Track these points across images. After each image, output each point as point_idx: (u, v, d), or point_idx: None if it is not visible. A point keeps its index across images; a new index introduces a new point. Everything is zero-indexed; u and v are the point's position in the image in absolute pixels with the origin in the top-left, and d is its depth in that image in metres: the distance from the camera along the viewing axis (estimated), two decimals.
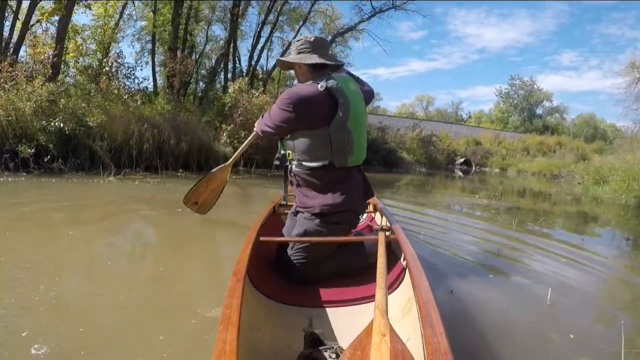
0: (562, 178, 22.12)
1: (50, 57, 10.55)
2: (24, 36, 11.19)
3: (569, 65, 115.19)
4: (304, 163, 2.53)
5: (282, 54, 22.92)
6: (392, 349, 1.20)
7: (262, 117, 2.77)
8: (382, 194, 8.54)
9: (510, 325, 2.49)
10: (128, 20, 18.09)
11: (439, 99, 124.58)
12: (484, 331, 2.34)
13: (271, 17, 21.27)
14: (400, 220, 3.67)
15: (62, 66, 12.52)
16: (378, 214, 3.51)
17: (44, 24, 12.31)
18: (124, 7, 17.10)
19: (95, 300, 2.44)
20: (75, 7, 12.28)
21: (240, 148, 4.04)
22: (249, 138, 3.77)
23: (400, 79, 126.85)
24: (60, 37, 11.25)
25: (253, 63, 21.15)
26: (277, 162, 2.77)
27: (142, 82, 14.37)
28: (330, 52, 2.74)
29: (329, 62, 2.60)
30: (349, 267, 2.54)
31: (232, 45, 19.45)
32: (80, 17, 23.20)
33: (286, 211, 3.13)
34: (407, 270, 2.12)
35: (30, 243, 3.55)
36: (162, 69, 17.81)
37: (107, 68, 12.63)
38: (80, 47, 14.18)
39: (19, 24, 11.51)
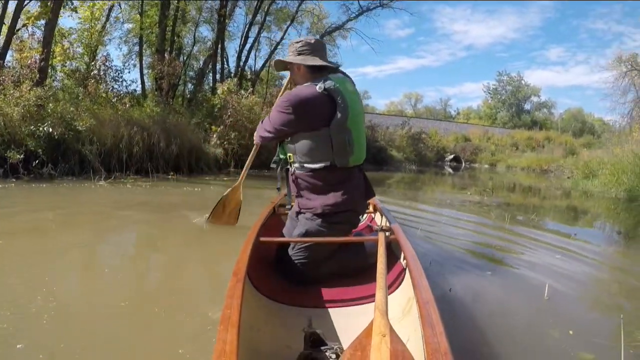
0: (552, 173, 22.28)
1: (38, 61, 10.44)
2: (10, 41, 11.06)
3: (556, 61, 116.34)
4: (305, 165, 2.53)
5: (271, 54, 22.95)
6: (392, 350, 1.19)
7: (261, 124, 2.77)
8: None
9: (509, 323, 2.50)
10: (115, 22, 18.05)
11: (427, 96, 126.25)
12: (484, 329, 2.35)
13: (258, 17, 21.23)
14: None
15: (50, 70, 12.42)
16: (378, 214, 3.52)
17: (30, 28, 12.25)
18: (110, 10, 16.97)
19: (94, 307, 2.41)
20: (62, 10, 12.18)
21: (246, 165, 4.07)
22: (251, 153, 3.81)
23: (389, 76, 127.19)
24: (47, 41, 11.14)
25: (241, 64, 21.12)
26: (274, 165, 2.78)
27: (130, 84, 14.31)
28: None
29: (330, 65, 2.63)
30: (349, 267, 2.55)
31: (219, 46, 19.39)
32: (67, 20, 23.12)
33: (286, 212, 3.12)
34: (407, 270, 2.12)
35: (25, 251, 3.50)
36: (150, 71, 17.72)
37: (95, 71, 12.55)
38: (67, 51, 14.05)
39: (4, 29, 11.37)
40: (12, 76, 9.76)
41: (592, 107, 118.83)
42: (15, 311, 2.22)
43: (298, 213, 2.66)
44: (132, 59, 19.05)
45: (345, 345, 1.51)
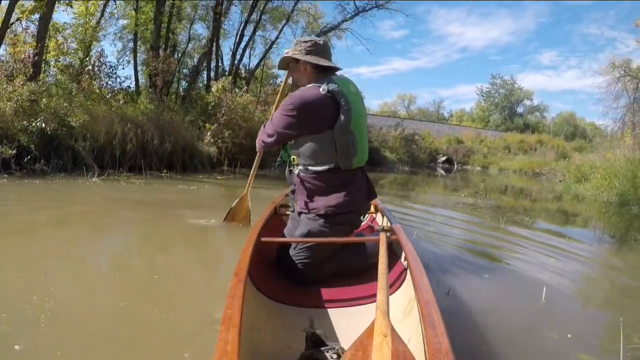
0: (544, 176, 22.40)
1: (31, 55, 10.37)
2: (4, 34, 10.93)
3: (548, 65, 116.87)
4: (309, 167, 2.53)
5: (266, 53, 22.91)
6: (393, 350, 1.19)
7: (263, 128, 2.77)
8: None
9: (508, 325, 2.50)
10: (110, 18, 17.84)
11: (420, 97, 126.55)
12: (482, 331, 2.35)
13: (254, 16, 21.16)
14: None
15: (43, 65, 12.32)
16: (379, 215, 3.52)
17: (24, 22, 12.14)
18: (105, 5, 16.81)
19: (93, 307, 2.37)
20: (56, 5, 12.09)
21: (251, 173, 4.08)
22: (255, 161, 3.83)
23: (383, 77, 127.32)
24: (41, 35, 11.05)
25: (236, 62, 21.05)
26: (276, 167, 2.77)
27: (124, 81, 14.24)
28: None
29: (337, 67, 2.64)
30: (350, 267, 2.56)
31: (215, 44, 19.32)
32: (61, 15, 22.94)
33: (287, 212, 3.12)
34: (408, 270, 2.12)
35: (19, 249, 3.45)
36: (144, 68, 17.63)
37: (89, 67, 12.47)
38: (61, 46, 13.96)
39: None
40: (5, 70, 9.69)
41: (584, 112, 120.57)
42: (11, 312, 2.16)
43: (300, 213, 2.65)
44: (127, 55, 18.93)
45: (346, 346, 1.50)
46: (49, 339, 1.93)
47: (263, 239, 2.41)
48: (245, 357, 1.33)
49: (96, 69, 12.53)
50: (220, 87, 15.17)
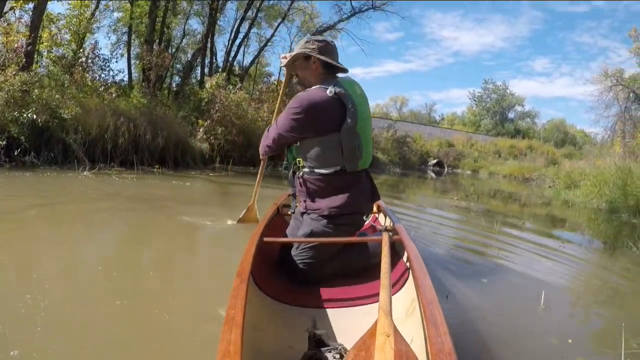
0: (533, 181, 22.53)
1: (24, 45, 10.22)
2: None
3: (541, 71, 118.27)
4: (316, 170, 2.53)
5: (260, 50, 22.87)
6: (396, 350, 1.19)
7: (267, 133, 2.74)
8: None
9: (508, 330, 2.50)
10: (104, 10, 17.67)
11: (412, 100, 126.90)
12: (482, 336, 2.34)
13: (249, 13, 21.10)
14: None
15: (36, 56, 12.17)
16: (381, 215, 3.52)
17: (17, 12, 11.97)
18: None
19: (89, 307, 2.30)
20: None
21: (256, 183, 4.01)
22: (260, 168, 3.79)
23: (376, 79, 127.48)
24: (35, 25, 10.92)
25: (230, 59, 20.97)
26: (285, 171, 2.75)
27: (117, 74, 14.12)
28: None
29: (346, 68, 2.65)
30: (352, 267, 2.55)
31: (209, 39, 19.22)
32: (56, 5, 22.66)
33: (290, 212, 3.11)
34: (410, 270, 2.12)
35: (10, 246, 3.32)
36: (137, 61, 17.49)
37: (82, 59, 12.33)
38: (55, 37, 13.77)
39: None
40: None
41: (575, 119, 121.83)
42: (4, 312, 2.09)
43: (303, 213, 2.64)
44: (120, 49, 18.72)
45: (349, 346, 1.49)
46: (45, 341, 1.87)
47: (266, 239, 2.39)
48: (248, 357, 1.33)
49: (89, 61, 12.41)
50: (214, 83, 15.11)
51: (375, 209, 3.63)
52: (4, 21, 11.39)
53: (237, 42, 21.35)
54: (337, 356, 1.52)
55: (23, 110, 8.51)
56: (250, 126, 14.93)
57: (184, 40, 21.29)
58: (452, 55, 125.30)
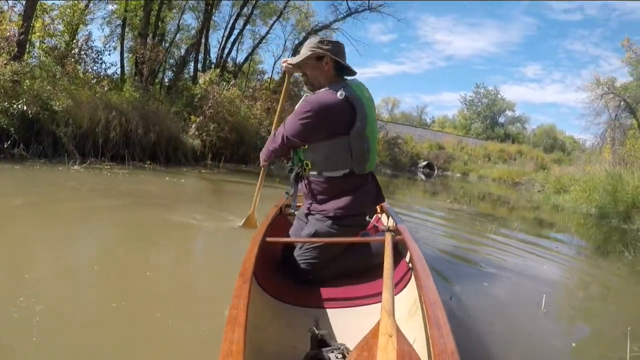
0: (523, 185, 22.78)
1: (16, 34, 10.02)
2: None
3: (532, 78, 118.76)
4: (324, 173, 2.51)
5: (254, 48, 22.79)
6: (398, 350, 1.18)
7: (272, 137, 2.72)
8: None
9: (510, 334, 2.49)
10: (98, 2, 17.42)
11: (404, 102, 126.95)
12: (483, 340, 2.34)
13: (245, 9, 21.01)
14: None
15: (28, 46, 11.98)
16: (384, 215, 3.52)
17: (10, 1, 11.80)
18: None
19: (87, 309, 2.21)
20: None
21: (256, 192, 3.90)
22: (260, 177, 3.72)
23: (368, 80, 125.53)
24: (28, 14, 10.73)
25: (224, 55, 20.88)
26: (291, 173, 2.71)
27: (109, 67, 13.97)
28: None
29: (354, 70, 2.64)
30: (355, 267, 2.53)
31: (204, 34, 19.09)
32: None
33: (290, 211, 3.10)
34: (413, 271, 2.12)
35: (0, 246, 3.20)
36: (130, 55, 17.33)
37: (75, 50, 12.18)
38: (48, 28, 13.57)
39: None
40: None
41: (565, 125, 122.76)
42: None
43: (307, 214, 2.62)
44: (113, 41, 18.54)
45: (351, 346, 1.48)
46: (42, 345, 1.79)
47: (268, 239, 2.37)
48: (251, 357, 1.33)
49: (82, 53, 12.25)
50: (208, 79, 15.00)
51: (378, 209, 3.62)
52: None
53: (232, 38, 21.31)
54: (340, 356, 1.52)
55: (13, 101, 8.33)
56: (243, 123, 14.87)
57: (178, 35, 21.17)
58: (445, 58, 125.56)
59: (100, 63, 13.19)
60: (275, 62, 25.66)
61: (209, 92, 14.26)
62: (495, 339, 2.36)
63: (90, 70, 12.51)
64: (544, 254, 4.86)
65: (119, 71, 16.17)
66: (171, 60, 20.68)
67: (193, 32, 20.66)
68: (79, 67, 11.99)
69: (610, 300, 3.61)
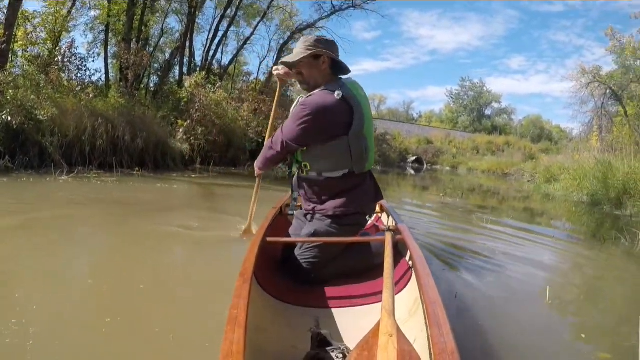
0: (512, 176, 22.92)
1: None
2: None
3: (517, 69, 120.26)
4: (324, 174, 2.49)
5: (239, 49, 22.68)
6: (399, 350, 1.19)
7: (269, 144, 2.67)
8: None
9: (515, 329, 2.48)
10: (81, 8, 17.20)
11: (390, 98, 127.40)
12: (490, 334, 2.33)
13: (228, 11, 20.91)
14: None
15: (10, 55, 11.83)
16: (384, 215, 3.52)
17: None
18: None
19: (84, 326, 2.14)
20: None
21: (252, 203, 3.80)
22: (255, 187, 3.65)
23: (353, 78, 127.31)
24: (10, 23, 10.59)
25: (209, 58, 20.77)
26: (292, 173, 2.69)
27: (94, 74, 13.82)
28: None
29: (349, 69, 2.61)
30: (355, 267, 2.53)
31: (188, 38, 18.97)
32: (31, 2, 22.03)
33: (290, 212, 3.07)
34: (413, 270, 2.12)
35: None
36: (114, 61, 17.16)
37: (58, 58, 12.03)
38: (30, 36, 13.39)
39: None
40: None
41: (550, 115, 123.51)
42: None
43: (307, 214, 2.62)
44: (97, 48, 18.34)
45: (352, 346, 1.48)
46: None
47: (269, 239, 2.38)
48: (251, 357, 1.33)
49: (66, 61, 12.11)
50: (194, 82, 14.91)
51: (378, 208, 3.63)
52: None
53: (216, 40, 21.21)
54: (340, 356, 1.53)
55: None
56: (231, 126, 14.82)
57: (162, 39, 21.01)
58: (429, 53, 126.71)
59: (85, 70, 13.04)
60: (260, 62, 25.65)
61: (195, 96, 14.19)
62: (501, 334, 2.34)
63: (74, 77, 12.37)
64: (541, 243, 4.93)
65: (103, 77, 15.97)
66: (156, 65, 20.50)
67: (177, 35, 20.53)
68: (63, 75, 11.85)
69: (615, 287, 3.63)
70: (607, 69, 24.03)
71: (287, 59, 2.60)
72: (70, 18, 16.09)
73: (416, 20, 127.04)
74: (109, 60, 17.18)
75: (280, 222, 3.11)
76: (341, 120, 2.40)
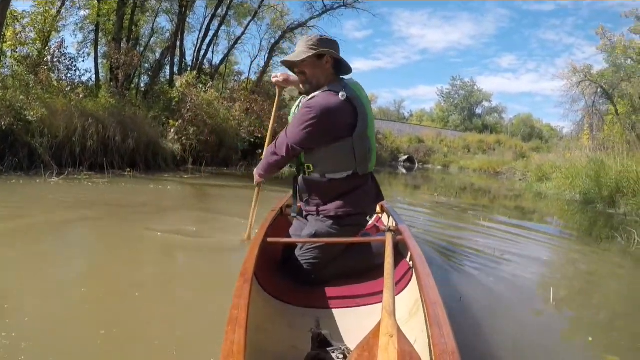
0: (504, 175, 23.03)
1: None
2: None
3: (507, 68, 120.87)
4: (327, 175, 2.48)
5: (230, 49, 22.58)
6: (399, 350, 1.20)
7: (272, 148, 2.63)
8: None
9: (519, 330, 2.46)
10: (70, 8, 16.97)
11: (381, 97, 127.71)
12: (495, 335, 2.32)
13: (219, 10, 20.81)
14: None
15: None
16: (385, 215, 3.52)
17: None
18: None
19: (83, 333, 2.08)
20: None
21: (251, 213, 3.69)
22: (254, 197, 3.57)
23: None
24: None
25: (200, 57, 20.66)
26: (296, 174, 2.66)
27: (83, 74, 13.69)
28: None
29: (351, 68, 2.59)
30: (356, 267, 2.52)
31: (178, 38, 18.84)
32: (20, 2, 21.78)
33: (294, 215, 3.02)
34: (414, 270, 2.11)
35: None
36: (104, 61, 17.01)
37: (48, 58, 11.89)
38: (19, 36, 13.23)
39: None
40: None
41: (541, 113, 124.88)
42: None
43: (308, 215, 2.61)
44: (87, 47, 18.12)
45: (352, 346, 1.50)
46: None
47: (269, 239, 2.37)
48: (252, 358, 1.33)
49: (55, 61, 11.98)
50: (185, 81, 14.81)
51: (378, 209, 3.62)
52: None
53: (207, 40, 21.11)
54: (341, 356, 1.53)
55: None
56: (223, 126, 14.76)
57: (152, 38, 20.84)
58: (420, 52, 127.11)
59: (75, 70, 12.96)
60: (251, 62, 25.51)
61: (186, 95, 14.11)
62: (504, 337, 2.33)
63: (64, 77, 12.27)
64: (539, 240, 4.95)
65: (93, 77, 15.77)
66: (146, 65, 20.31)
67: (168, 35, 20.36)
68: (52, 75, 11.74)
69: (618, 287, 3.62)
70: (598, 68, 24.26)
71: (290, 58, 2.55)
72: (60, 18, 15.85)
73: (407, 19, 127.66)
74: (99, 60, 17.00)
75: (280, 223, 3.10)
76: (346, 122, 2.39)
